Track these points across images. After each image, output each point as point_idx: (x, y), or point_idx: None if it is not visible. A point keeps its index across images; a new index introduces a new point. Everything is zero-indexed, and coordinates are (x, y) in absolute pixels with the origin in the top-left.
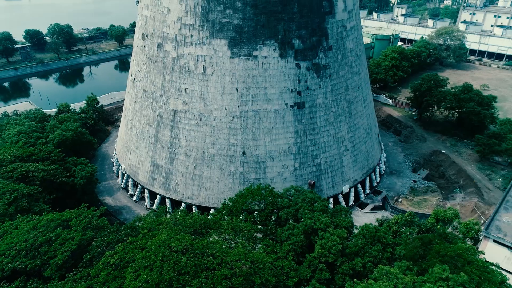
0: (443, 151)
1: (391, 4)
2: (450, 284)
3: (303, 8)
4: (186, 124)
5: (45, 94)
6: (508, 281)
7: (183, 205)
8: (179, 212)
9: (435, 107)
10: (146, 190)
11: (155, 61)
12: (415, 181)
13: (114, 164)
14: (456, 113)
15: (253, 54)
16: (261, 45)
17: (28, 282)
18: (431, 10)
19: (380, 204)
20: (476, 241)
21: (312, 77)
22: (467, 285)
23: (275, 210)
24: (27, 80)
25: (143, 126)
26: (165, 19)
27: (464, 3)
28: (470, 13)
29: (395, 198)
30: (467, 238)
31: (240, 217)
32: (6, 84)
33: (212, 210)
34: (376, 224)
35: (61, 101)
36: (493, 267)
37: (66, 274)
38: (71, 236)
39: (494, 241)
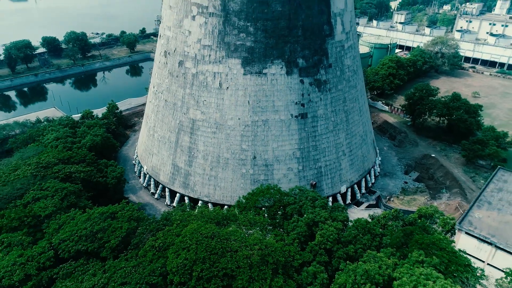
0: (433, 155)
1: (392, 10)
2: (424, 265)
3: (307, 31)
4: (204, 132)
5: (65, 99)
6: (474, 265)
7: (200, 202)
8: (204, 207)
9: (427, 114)
10: (167, 189)
11: (177, 76)
12: (406, 182)
13: (136, 166)
14: (446, 120)
15: (263, 72)
16: (270, 64)
17: (89, 260)
18: (430, 17)
19: (374, 203)
20: (452, 233)
21: (314, 91)
22: (438, 266)
23: (281, 206)
24: (46, 85)
25: (164, 132)
26: (186, 40)
27: (461, 10)
28: (467, 21)
29: (388, 197)
30: (444, 231)
31: (252, 212)
32: (25, 89)
33: (226, 207)
34: (369, 219)
35: (81, 106)
36: (461, 253)
37: (119, 254)
38: (120, 225)
39: (466, 233)
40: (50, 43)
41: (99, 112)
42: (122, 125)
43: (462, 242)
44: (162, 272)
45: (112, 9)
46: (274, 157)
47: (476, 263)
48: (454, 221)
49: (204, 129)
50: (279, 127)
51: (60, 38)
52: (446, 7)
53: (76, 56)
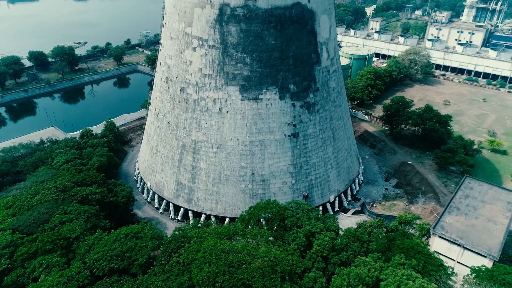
0: (410, 162)
1: (367, 16)
2: (405, 267)
3: (297, 61)
4: (205, 152)
5: (59, 116)
6: (446, 264)
7: (203, 215)
8: (215, 224)
9: (404, 124)
10: (171, 204)
11: (179, 101)
12: (387, 189)
13: (138, 182)
14: (420, 129)
15: (259, 97)
16: (265, 90)
17: (121, 277)
18: (403, 24)
19: (359, 209)
20: (428, 236)
21: (304, 112)
22: (416, 267)
23: (281, 219)
24: (36, 101)
25: (168, 152)
26: (187, 69)
27: (432, 19)
28: (437, 29)
29: (371, 203)
30: (421, 235)
31: (252, 226)
32: (15, 105)
33: (227, 219)
34: (356, 226)
35: (77, 122)
36: (435, 255)
37: (147, 270)
38: (145, 244)
39: (439, 236)
40: (37, 57)
41: (96, 129)
42: (120, 141)
43: (436, 244)
44: (190, 285)
45: (89, 16)
46: (270, 172)
47: (448, 262)
48: (429, 226)
49: (206, 149)
50: (274, 146)
51: (43, 48)
52: (418, 12)
53: (65, 70)
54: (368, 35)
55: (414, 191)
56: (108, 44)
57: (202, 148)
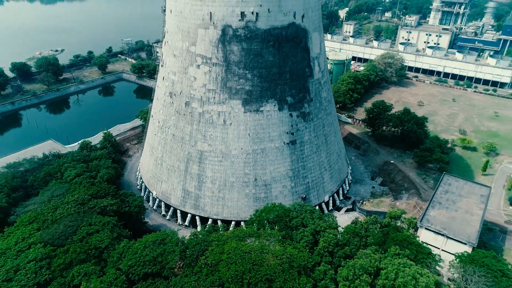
0: (392, 161)
1: (341, 19)
2: (400, 257)
3: (293, 75)
4: (211, 161)
5: (51, 128)
6: (433, 252)
7: (210, 220)
8: (223, 228)
9: (385, 126)
10: (178, 211)
11: (184, 114)
12: (373, 187)
13: (142, 191)
14: (400, 130)
15: (260, 109)
16: (265, 103)
17: (155, 279)
18: (376, 27)
19: (351, 207)
20: (415, 229)
21: (301, 121)
22: (410, 256)
23: (287, 220)
24: (22, 112)
25: (173, 162)
26: (191, 85)
27: (402, 22)
28: (407, 32)
29: (361, 201)
30: (410, 228)
31: (259, 227)
32: (0, 118)
33: (233, 223)
34: (349, 223)
35: (71, 134)
36: (424, 245)
37: (177, 272)
38: (172, 249)
39: (426, 228)
40: (20, 68)
41: (92, 140)
42: (117, 152)
43: (423, 235)
44: (220, 283)
45: (61, 21)
46: (271, 178)
47: (434, 250)
48: (416, 220)
49: (211, 159)
50: (274, 153)
51: (19, 57)
52: (388, 14)
53: (50, 81)
54: (344, 39)
55: (398, 188)
56: (90, 52)
57: (207, 157)
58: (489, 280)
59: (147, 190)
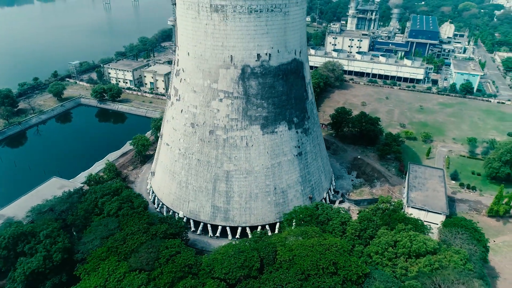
0: (359, 157)
1: None
2: (406, 230)
3: (296, 100)
4: (237, 178)
5: (34, 165)
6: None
7: (239, 228)
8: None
9: (346, 128)
10: (208, 225)
11: (208, 141)
12: (352, 180)
13: (165, 212)
14: (358, 130)
15: (275, 131)
16: (278, 125)
17: (247, 280)
18: None
19: (341, 199)
20: (401, 208)
21: (304, 136)
22: (412, 229)
23: (317, 217)
24: None
25: (200, 183)
26: (215, 116)
27: (328, 29)
28: (333, 38)
29: (347, 193)
30: (399, 208)
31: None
32: None
33: (259, 227)
34: (359, 212)
35: (62, 168)
36: (417, 219)
37: (262, 271)
38: (252, 255)
39: (412, 207)
40: None
41: (91, 171)
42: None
43: (410, 212)
44: (301, 271)
45: None
46: (287, 185)
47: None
48: (402, 201)
49: (237, 176)
50: (287, 165)
51: None
52: (307, 19)
53: (10, 115)
54: None
55: (369, 178)
56: (36, 79)
57: (233, 176)
58: (468, 235)
59: (171, 211)
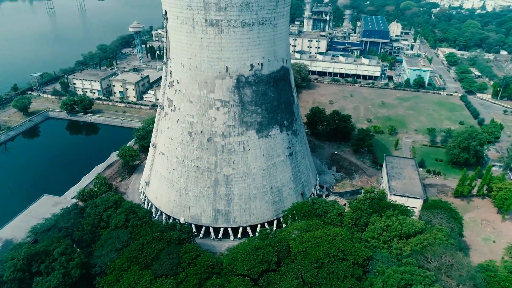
0: (336, 152)
1: None
2: (394, 215)
3: (285, 104)
4: (236, 181)
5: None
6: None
7: (240, 228)
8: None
9: (321, 126)
10: (211, 228)
11: (207, 148)
12: (334, 174)
13: (165, 219)
14: (331, 127)
15: (269, 134)
16: (271, 129)
17: (268, 273)
18: None
19: (327, 193)
20: (385, 197)
21: (293, 137)
22: (399, 213)
23: (314, 211)
24: None
25: (201, 189)
26: (212, 124)
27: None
28: (293, 39)
29: (331, 187)
30: (383, 197)
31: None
32: None
33: (259, 226)
34: (349, 202)
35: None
36: (401, 205)
37: (280, 263)
38: (269, 250)
39: (394, 194)
40: None
41: (78, 187)
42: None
43: (394, 199)
44: (315, 260)
45: None
46: (281, 184)
47: None
48: (385, 190)
49: (236, 179)
50: (281, 165)
51: None
52: None
53: None
54: None
55: (348, 171)
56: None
57: (233, 179)
58: (446, 215)
59: (171, 218)
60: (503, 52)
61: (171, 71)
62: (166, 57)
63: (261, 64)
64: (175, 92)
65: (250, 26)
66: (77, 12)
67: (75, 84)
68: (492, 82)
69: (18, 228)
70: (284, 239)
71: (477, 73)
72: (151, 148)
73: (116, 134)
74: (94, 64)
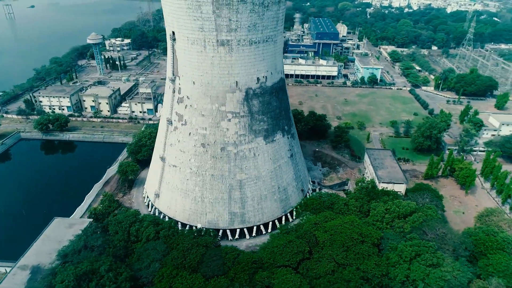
0: (317, 149)
1: None
2: (390, 200)
3: (285, 111)
4: (249, 185)
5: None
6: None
7: (254, 227)
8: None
9: (299, 126)
10: (227, 230)
11: (221, 157)
12: (321, 170)
13: (180, 226)
14: (310, 127)
15: (274, 139)
16: (276, 134)
17: (304, 261)
18: None
19: (319, 187)
20: (375, 185)
21: (292, 140)
22: (393, 198)
23: (323, 203)
24: None
25: (216, 195)
26: (225, 134)
27: None
28: None
29: (322, 181)
30: (374, 185)
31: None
32: None
33: (270, 223)
34: (344, 194)
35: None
36: (390, 190)
37: (310, 257)
38: (300, 242)
39: (383, 182)
40: None
41: (85, 206)
42: None
43: (383, 186)
44: (341, 245)
45: None
46: (286, 183)
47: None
48: (373, 179)
49: (249, 183)
50: (285, 166)
51: None
52: None
53: None
54: None
55: (332, 166)
56: None
57: (246, 183)
58: (430, 195)
59: (187, 225)
60: (434, 47)
61: (179, 88)
62: (173, 74)
63: (266, 77)
64: (185, 107)
65: (257, 44)
66: (6, 21)
67: (41, 102)
68: (432, 76)
69: (41, 253)
70: (309, 230)
71: (418, 68)
72: (158, 161)
73: (99, 151)
74: (53, 79)
